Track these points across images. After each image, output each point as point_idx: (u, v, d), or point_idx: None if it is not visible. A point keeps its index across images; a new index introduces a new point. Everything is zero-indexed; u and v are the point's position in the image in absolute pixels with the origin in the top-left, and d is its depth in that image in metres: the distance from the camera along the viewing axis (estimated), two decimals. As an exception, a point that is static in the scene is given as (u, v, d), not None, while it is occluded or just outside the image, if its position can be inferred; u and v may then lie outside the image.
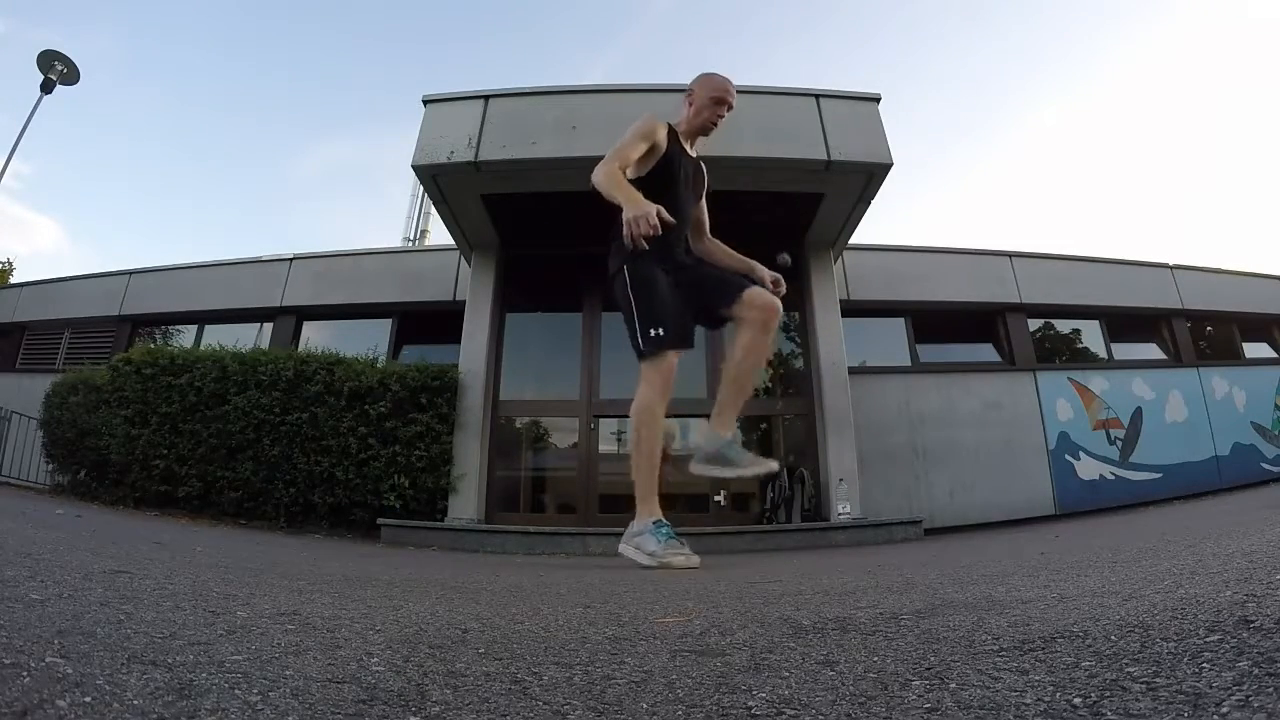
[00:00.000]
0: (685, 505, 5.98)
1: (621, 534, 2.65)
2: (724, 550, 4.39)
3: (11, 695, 0.51)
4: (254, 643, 0.80)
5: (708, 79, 2.80)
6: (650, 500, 2.53)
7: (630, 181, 2.57)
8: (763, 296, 2.62)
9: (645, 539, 2.46)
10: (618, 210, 2.41)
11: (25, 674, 0.57)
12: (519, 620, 1.08)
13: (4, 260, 15.66)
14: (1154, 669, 0.58)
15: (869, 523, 5.21)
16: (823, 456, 5.71)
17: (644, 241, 2.33)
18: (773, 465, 2.74)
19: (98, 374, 5.88)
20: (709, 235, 3.01)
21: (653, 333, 2.54)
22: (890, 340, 6.98)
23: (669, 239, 2.60)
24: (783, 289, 2.80)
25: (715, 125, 2.78)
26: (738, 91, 2.88)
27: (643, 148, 2.65)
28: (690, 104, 2.81)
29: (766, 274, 2.84)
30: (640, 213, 2.29)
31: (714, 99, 2.75)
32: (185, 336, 8.08)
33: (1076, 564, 1.55)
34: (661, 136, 2.67)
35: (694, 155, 2.85)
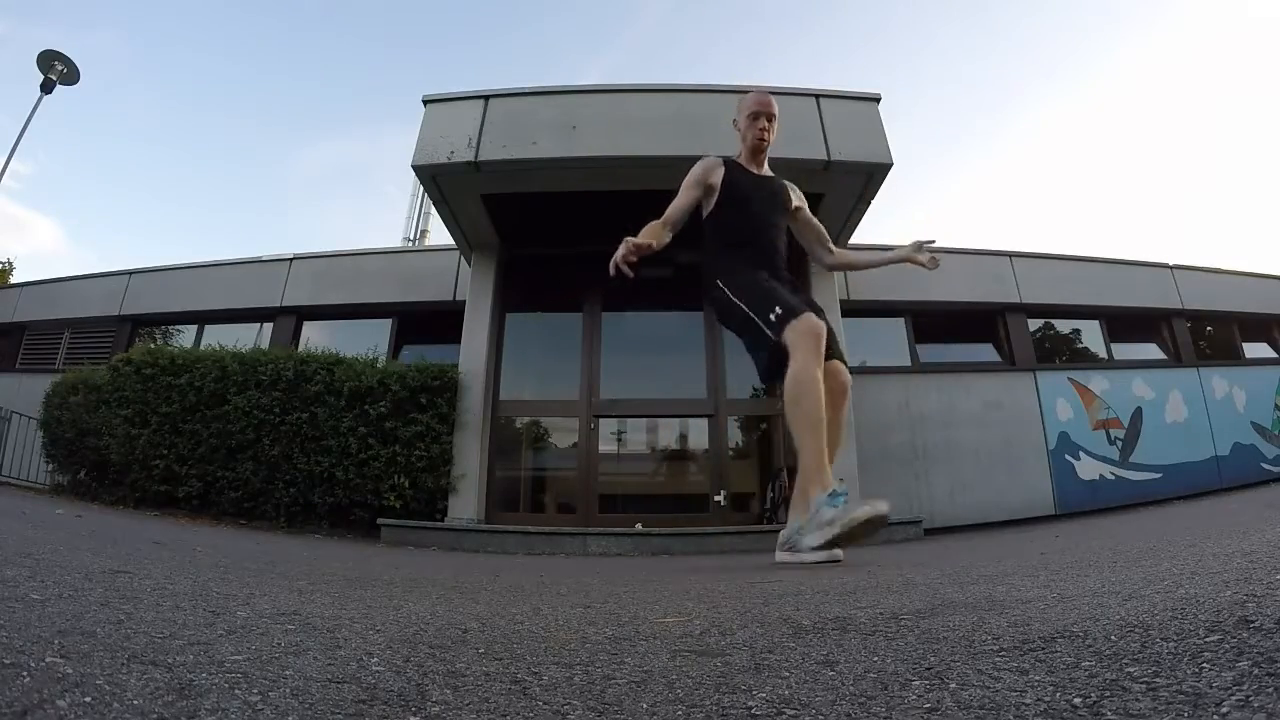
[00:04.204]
0: (685, 505, 5.99)
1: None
2: (724, 550, 4.39)
3: (11, 695, 0.51)
4: (254, 643, 0.80)
5: (741, 100, 2.86)
6: (823, 471, 2.34)
7: (706, 218, 2.73)
8: (843, 374, 2.58)
9: (823, 512, 2.26)
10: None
11: (25, 674, 0.57)
12: (519, 620, 1.08)
13: (4, 260, 15.65)
14: (1154, 669, 0.58)
15: (869, 523, 5.20)
16: (823, 456, 5.70)
17: (626, 268, 2.38)
18: (838, 554, 2.35)
19: (98, 374, 5.88)
20: (835, 248, 3.02)
21: (772, 316, 2.48)
22: (890, 340, 6.98)
23: (755, 259, 2.65)
24: (933, 264, 2.83)
25: (764, 139, 2.80)
26: (737, 91, 2.92)
27: (693, 195, 2.72)
28: (739, 130, 2.86)
29: (914, 252, 2.85)
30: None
31: (750, 115, 2.79)
32: (185, 336, 8.08)
33: (1076, 564, 1.55)
34: (716, 175, 2.75)
35: (766, 175, 2.87)
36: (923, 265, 2.87)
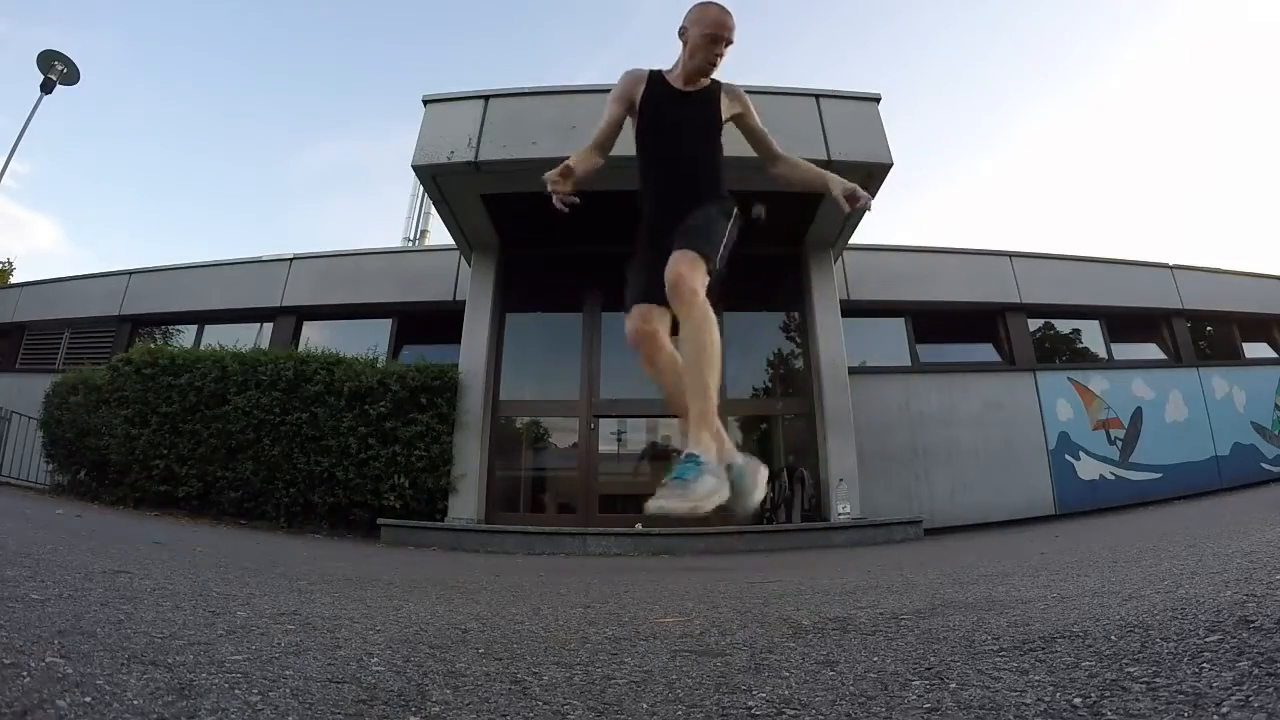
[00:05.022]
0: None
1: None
2: (724, 550, 4.39)
3: (12, 695, 0.51)
4: (254, 643, 0.80)
5: (700, 12, 2.45)
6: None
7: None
8: (668, 270, 2.36)
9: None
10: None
11: (25, 674, 0.57)
12: (519, 620, 1.07)
13: (4, 260, 15.64)
14: (1154, 669, 0.58)
15: (869, 523, 5.20)
16: (823, 456, 5.71)
17: (560, 204, 2.29)
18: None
19: (98, 374, 5.88)
20: (779, 157, 2.54)
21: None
22: (890, 340, 6.97)
23: (651, 192, 2.44)
24: (861, 203, 2.25)
25: (714, 65, 2.45)
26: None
27: (615, 110, 2.49)
28: (684, 43, 2.49)
29: (837, 186, 2.33)
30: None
31: (709, 37, 2.41)
32: (185, 336, 8.07)
33: (1076, 564, 1.55)
34: (637, 92, 2.49)
35: (696, 89, 2.47)
36: (842, 207, 2.28)
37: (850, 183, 2.33)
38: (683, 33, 2.51)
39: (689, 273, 2.23)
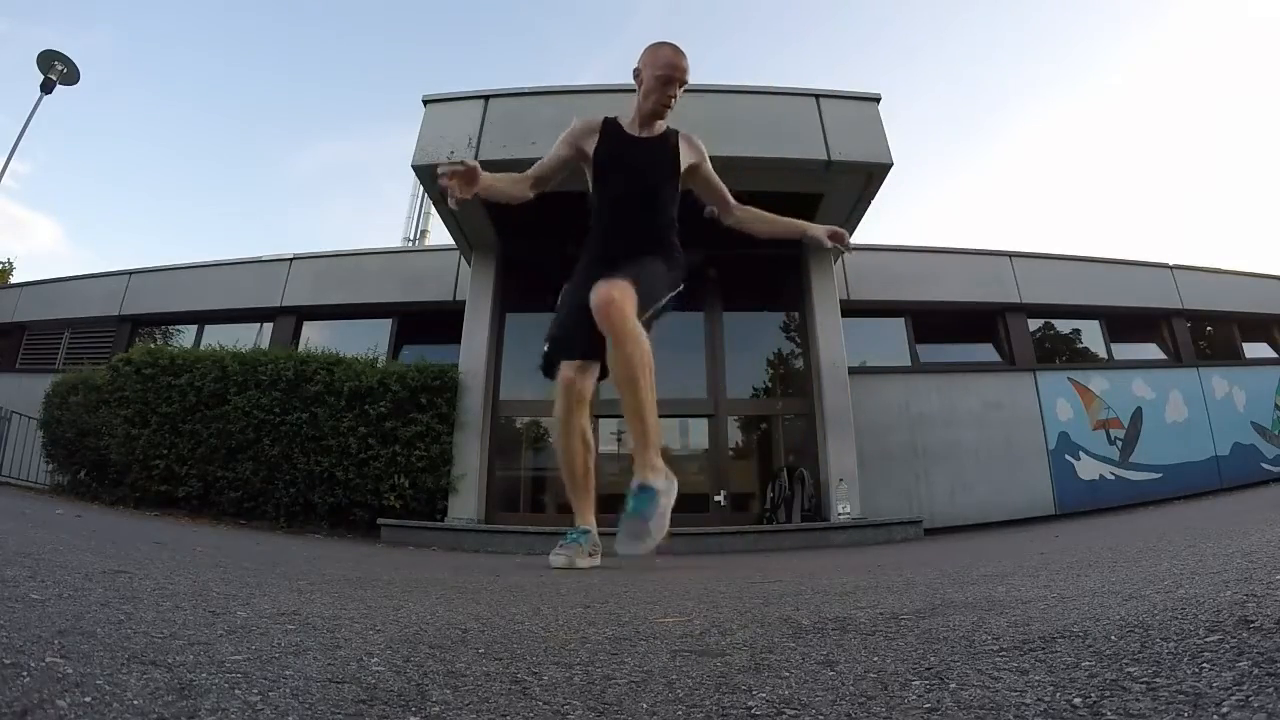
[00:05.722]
0: (685, 505, 5.99)
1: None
2: (724, 550, 4.39)
3: (11, 695, 0.51)
4: (254, 643, 0.80)
5: (653, 55, 2.46)
6: (579, 510, 2.68)
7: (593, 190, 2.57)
8: (597, 288, 2.28)
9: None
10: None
11: (25, 674, 0.57)
12: (519, 620, 1.07)
13: (4, 260, 15.64)
14: (1154, 669, 0.58)
15: (869, 523, 5.21)
16: (823, 456, 5.71)
17: (455, 192, 2.35)
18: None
19: (98, 374, 5.88)
20: (736, 205, 2.64)
21: (544, 347, 2.54)
22: (890, 340, 6.98)
23: (599, 232, 2.54)
24: (844, 241, 2.52)
25: (668, 107, 2.47)
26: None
27: (560, 154, 2.56)
28: (639, 84, 2.50)
29: (820, 231, 2.53)
30: None
31: (660, 79, 2.42)
32: (185, 336, 8.08)
33: (1076, 564, 1.55)
34: (589, 143, 2.54)
35: (654, 134, 2.54)
36: (826, 247, 2.57)
37: (826, 226, 2.46)
38: (637, 74, 2.52)
39: (620, 296, 2.25)
